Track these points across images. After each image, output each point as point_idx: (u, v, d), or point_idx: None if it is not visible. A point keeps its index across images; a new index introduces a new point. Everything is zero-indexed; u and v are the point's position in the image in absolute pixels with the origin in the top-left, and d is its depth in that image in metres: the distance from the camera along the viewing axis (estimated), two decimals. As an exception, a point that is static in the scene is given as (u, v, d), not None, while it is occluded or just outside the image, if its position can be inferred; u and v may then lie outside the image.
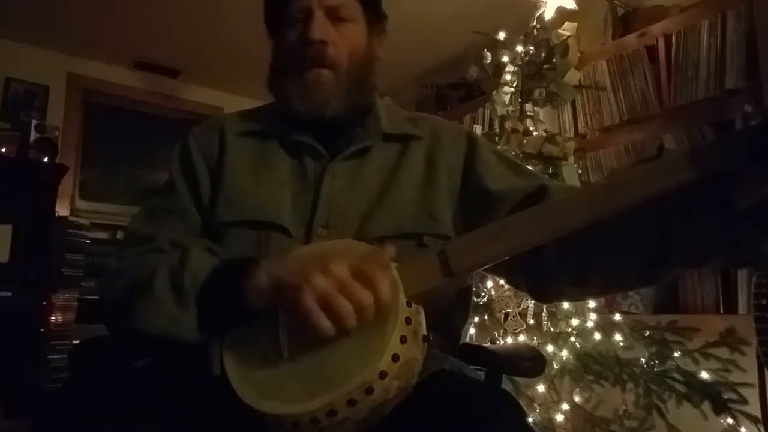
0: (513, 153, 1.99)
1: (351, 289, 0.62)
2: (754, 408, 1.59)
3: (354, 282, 0.62)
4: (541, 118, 2.26)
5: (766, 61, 1.88)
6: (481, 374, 0.88)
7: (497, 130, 2.25)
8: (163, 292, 0.74)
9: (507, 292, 1.95)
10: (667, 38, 2.24)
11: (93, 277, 3.00)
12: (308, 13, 0.88)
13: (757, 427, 1.60)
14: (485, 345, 0.97)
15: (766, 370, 1.49)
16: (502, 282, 1.85)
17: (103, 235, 3.38)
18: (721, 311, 1.93)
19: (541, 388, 1.82)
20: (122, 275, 0.80)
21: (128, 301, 0.75)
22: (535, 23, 2.23)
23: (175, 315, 0.72)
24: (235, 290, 0.69)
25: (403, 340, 0.61)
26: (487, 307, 1.99)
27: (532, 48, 2.18)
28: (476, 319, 2.01)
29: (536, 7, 2.24)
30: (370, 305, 0.62)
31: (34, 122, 3.12)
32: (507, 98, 2.23)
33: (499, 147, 1.96)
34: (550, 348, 1.85)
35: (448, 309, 0.89)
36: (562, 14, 2.23)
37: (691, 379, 1.72)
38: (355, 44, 0.91)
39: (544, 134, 2.12)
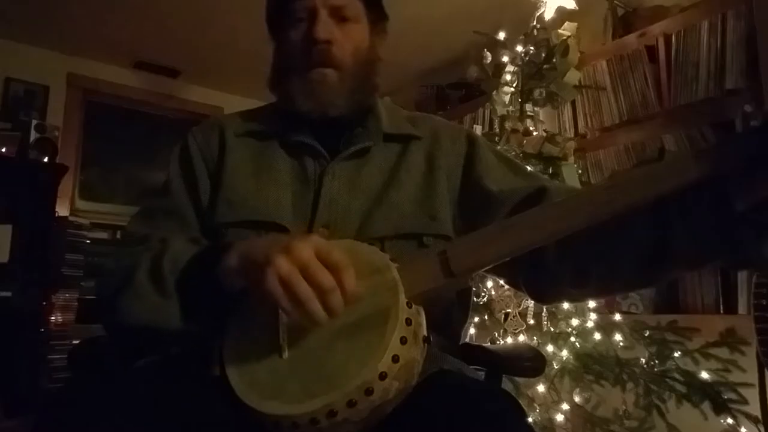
0: (513, 153, 1.99)
1: (312, 272, 0.61)
2: (754, 408, 1.58)
3: (316, 264, 0.61)
4: (541, 118, 2.26)
5: (766, 61, 1.88)
6: (481, 374, 0.88)
7: (497, 130, 2.25)
8: (143, 281, 0.74)
9: (507, 292, 1.95)
10: (667, 38, 2.24)
11: (93, 277, 3.00)
12: (313, 12, 0.88)
13: (757, 427, 1.60)
14: (485, 345, 0.97)
15: (766, 370, 1.49)
16: (502, 282, 1.84)
17: (103, 235, 3.38)
18: (721, 311, 1.93)
19: (541, 388, 1.82)
20: (115, 274, 0.80)
21: (115, 295, 0.76)
22: (535, 23, 2.22)
23: (157, 303, 0.72)
24: (211, 273, 0.69)
25: (403, 341, 0.61)
26: (487, 307, 1.99)
27: (532, 48, 2.18)
28: (476, 319, 2.01)
29: (536, 7, 2.23)
30: (333, 289, 0.61)
31: (34, 122, 3.12)
32: (507, 98, 2.23)
33: (499, 147, 1.96)
34: (550, 348, 1.84)
35: (448, 309, 0.90)
36: (562, 14, 2.23)
37: (691, 379, 1.72)
38: (359, 44, 0.92)
39: (544, 134, 2.12)
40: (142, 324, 0.73)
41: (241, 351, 0.68)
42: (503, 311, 1.95)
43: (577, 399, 1.84)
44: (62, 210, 3.22)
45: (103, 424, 0.60)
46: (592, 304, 1.92)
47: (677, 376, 1.74)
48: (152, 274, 0.74)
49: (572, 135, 2.51)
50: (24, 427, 2.32)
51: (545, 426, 1.79)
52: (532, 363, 0.87)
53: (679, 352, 1.79)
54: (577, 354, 1.84)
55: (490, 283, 1.99)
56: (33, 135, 3.06)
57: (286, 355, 0.65)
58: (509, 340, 1.90)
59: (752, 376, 1.57)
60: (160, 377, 0.69)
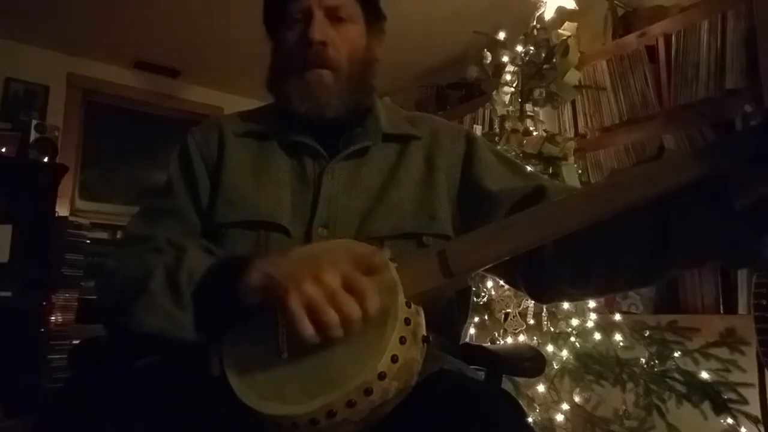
0: (513, 153, 1.99)
1: (340, 301, 0.61)
2: (754, 408, 1.58)
3: (344, 293, 0.62)
4: (541, 118, 2.26)
5: (766, 61, 1.88)
6: (481, 374, 0.88)
7: (497, 130, 2.25)
8: (159, 290, 0.73)
9: (507, 292, 1.95)
10: (667, 38, 2.24)
11: (93, 277, 3.00)
12: (308, 13, 0.89)
13: (757, 427, 1.60)
14: (485, 345, 0.97)
15: (766, 370, 1.49)
16: (502, 282, 1.84)
17: (103, 235, 3.38)
18: (721, 311, 1.93)
19: (541, 388, 1.82)
20: (119, 275, 0.79)
21: (125, 300, 0.75)
22: (535, 23, 2.22)
23: (172, 313, 0.72)
24: (229, 288, 0.69)
25: (402, 341, 0.61)
26: (487, 307, 1.99)
27: (532, 48, 2.18)
28: (476, 319, 2.01)
29: (536, 7, 2.24)
30: (358, 319, 0.61)
31: (34, 122, 3.12)
32: (507, 98, 2.23)
33: (499, 147, 1.96)
34: (550, 348, 1.84)
35: (447, 309, 0.90)
36: (562, 14, 2.23)
37: (691, 379, 1.72)
38: (355, 45, 0.92)
39: (544, 134, 2.12)
40: (154, 333, 0.73)
41: (240, 351, 0.68)
42: (503, 311, 1.95)
43: (577, 399, 1.84)
44: (62, 210, 3.22)
45: (103, 424, 0.60)
46: (592, 304, 1.92)
47: (677, 376, 1.74)
48: (169, 283, 0.73)
49: (572, 135, 2.51)
50: (24, 427, 2.32)
51: (545, 426, 1.79)
52: (532, 363, 0.87)
53: (679, 352, 1.79)
54: (577, 354, 1.84)
55: (490, 283, 1.99)
56: (33, 135, 3.06)
57: (285, 355, 0.65)
58: (509, 340, 1.90)
59: (752, 376, 1.57)
60: (161, 377, 0.69)
